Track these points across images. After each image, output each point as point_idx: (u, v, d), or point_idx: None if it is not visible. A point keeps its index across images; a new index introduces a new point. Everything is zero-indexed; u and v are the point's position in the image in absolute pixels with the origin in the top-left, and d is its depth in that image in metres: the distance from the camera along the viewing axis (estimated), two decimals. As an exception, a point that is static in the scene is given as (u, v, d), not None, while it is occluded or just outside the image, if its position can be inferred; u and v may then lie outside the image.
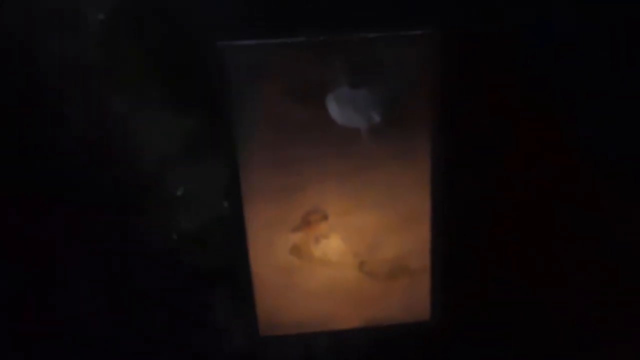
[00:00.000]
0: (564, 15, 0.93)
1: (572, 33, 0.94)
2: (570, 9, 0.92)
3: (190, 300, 1.07)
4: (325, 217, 1.02)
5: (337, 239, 1.03)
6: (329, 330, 1.07)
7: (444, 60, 0.91)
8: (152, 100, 0.95)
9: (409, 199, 1.00)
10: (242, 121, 0.95)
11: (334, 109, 0.96)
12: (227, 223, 1.03)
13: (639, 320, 1.12)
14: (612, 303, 1.10)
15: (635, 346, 1.13)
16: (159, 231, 1.04)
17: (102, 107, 0.95)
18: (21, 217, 1.01)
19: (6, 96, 0.93)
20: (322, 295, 1.05)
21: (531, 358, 1.13)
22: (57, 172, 0.98)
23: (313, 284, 1.04)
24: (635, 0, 0.91)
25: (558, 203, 1.03)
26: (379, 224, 1.01)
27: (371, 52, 0.92)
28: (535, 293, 1.08)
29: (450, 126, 0.96)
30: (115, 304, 1.08)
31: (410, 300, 1.06)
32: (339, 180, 0.99)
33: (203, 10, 0.90)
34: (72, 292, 1.06)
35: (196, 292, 1.07)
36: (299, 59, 0.92)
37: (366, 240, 1.02)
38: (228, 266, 1.05)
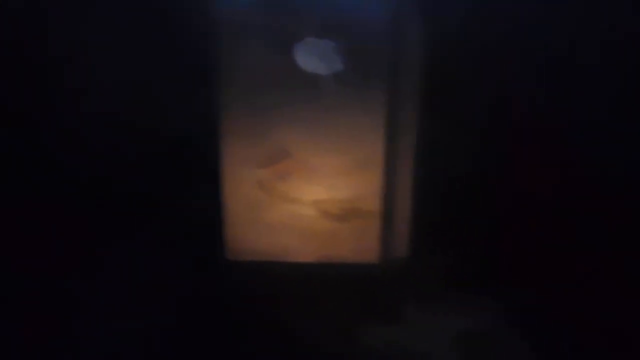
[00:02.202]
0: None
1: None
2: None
3: (170, 224, 1.22)
4: (288, 157, 1.12)
5: (298, 178, 1.13)
6: (286, 262, 1.17)
7: (403, 13, 1.00)
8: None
9: (365, 144, 1.09)
10: (225, 70, 1.08)
11: (301, 58, 1.07)
12: (206, 158, 1.16)
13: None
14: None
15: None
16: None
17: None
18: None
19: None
20: (282, 228, 1.16)
21: (477, 303, 1.17)
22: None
23: (275, 217, 1.15)
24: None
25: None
26: (336, 166, 1.11)
27: (336, 6, 1.02)
28: (487, 239, 1.12)
29: (407, 75, 1.04)
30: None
31: (361, 242, 1.14)
32: (304, 124, 1.10)
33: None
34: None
35: (175, 217, 1.22)
36: (272, 14, 1.04)
37: (324, 181, 1.12)
38: (204, 194, 1.18)
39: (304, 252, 1.16)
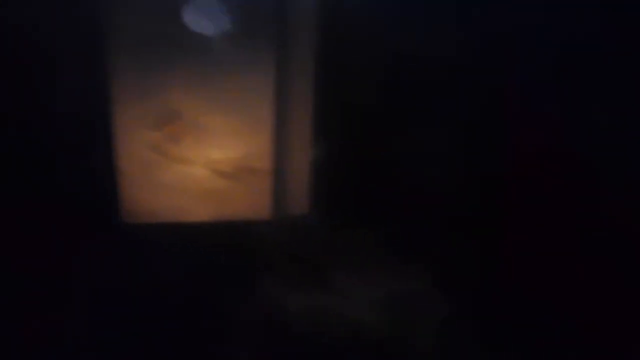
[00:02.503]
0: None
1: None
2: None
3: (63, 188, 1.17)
4: (180, 118, 1.13)
5: (190, 139, 1.15)
6: (182, 222, 1.19)
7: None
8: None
9: (255, 104, 1.14)
10: (113, 32, 1.06)
11: (189, 17, 1.07)
12: (99, 122, 1.13)
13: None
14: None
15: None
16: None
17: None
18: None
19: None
20: (177, 189, 1.17)
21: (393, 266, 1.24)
22: None
23: (170, 179, 1.16)
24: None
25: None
26: (227, 126, 1.15)
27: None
28: (380, 198, 1.21)
29: (298, 32, 1.09)
30: None
31: (255, 199, 1.19)
32: (194, 85, 1.12)
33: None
34: None
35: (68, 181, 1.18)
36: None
37: (215, 141, 1.15)
38: (98, 158, 1.16)
39: (199, 211, 1.19)
